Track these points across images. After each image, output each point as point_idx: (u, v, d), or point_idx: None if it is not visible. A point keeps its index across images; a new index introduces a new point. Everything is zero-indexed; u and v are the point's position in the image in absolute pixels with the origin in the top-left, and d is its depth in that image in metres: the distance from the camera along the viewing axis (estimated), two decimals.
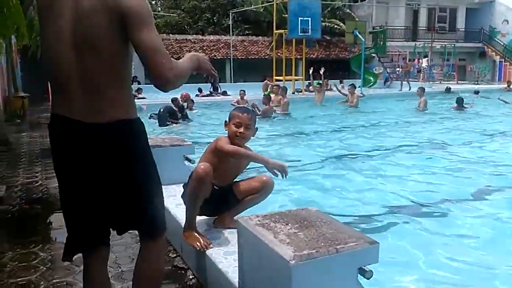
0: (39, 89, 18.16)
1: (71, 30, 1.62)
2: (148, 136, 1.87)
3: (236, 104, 13.28)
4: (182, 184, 2.98)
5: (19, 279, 2.80)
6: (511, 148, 7.85)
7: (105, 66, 1.64)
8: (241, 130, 2.82)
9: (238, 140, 2.83)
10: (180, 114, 10.52)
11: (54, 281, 2.78)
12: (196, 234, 2.74)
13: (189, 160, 3.98)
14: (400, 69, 21.48)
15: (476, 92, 17.66)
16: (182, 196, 2.97)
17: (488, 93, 18.36)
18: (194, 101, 12.98)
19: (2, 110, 9.14)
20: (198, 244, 2.67)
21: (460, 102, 12.99)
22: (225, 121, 2.93)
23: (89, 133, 1.68)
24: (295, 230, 1.96)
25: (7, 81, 12.05)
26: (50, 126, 1.81)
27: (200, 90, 17.44)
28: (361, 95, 16.04)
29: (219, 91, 17.90)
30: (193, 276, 2.84)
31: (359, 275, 1.80)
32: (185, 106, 11.30)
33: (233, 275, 2.29)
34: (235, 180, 3.00)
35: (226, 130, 2.91)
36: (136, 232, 2.03)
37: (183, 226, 3.02)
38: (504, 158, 6.88)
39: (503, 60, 29.04)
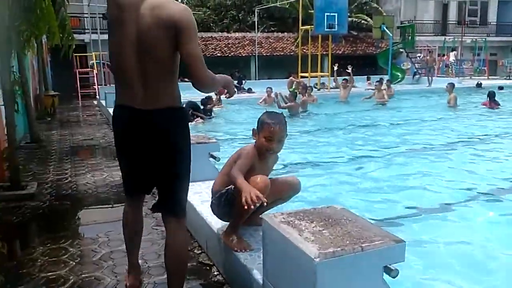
0: (69, 88, 18.63)
1: (135, 40, 2.07)
2: None
3: (263, 103, 13.26)
4: (224, 190, 2.75)
5: (49, 274, 2.87)
6: None
7: (160, 67, 2.10)
8: (273, 145, 2.63)
9: (268, 154, 2.70)
10: (203, 109, 10.63)
11: (83, 275, 2.84)
12: (238, 237, 2.66)
13: (214, 158, 4.00)
14: (426, 63, 20.96)
15: (501, 88, 17.11)
16: (219, 197, 2.77)
17: None
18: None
19: (34, 108, 9.38)
20: (239, 247, 2.60)
21: (492, 96, 12.31)
22: (253, 130, 2.73)
23: (147, 117, 2.14)
24: (320, 228, 1.94)
25: (38, 80, 12.37)
26: (115, 113, 2.31)
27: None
28: (392, 94, 15.56)
29: (244, 88, 17.93)
30: (217, 273, 2.85)
31: (384, 273, 1.77)
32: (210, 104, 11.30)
33: (257, 272, 2.29)
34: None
35: (254, 139, 2.73)
36: (163, 228, 2.47)
37: (208, 222, 3.04)
38: None
39: None
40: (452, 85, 12.98)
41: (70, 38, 6.86)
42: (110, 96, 11.00)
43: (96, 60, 17.92)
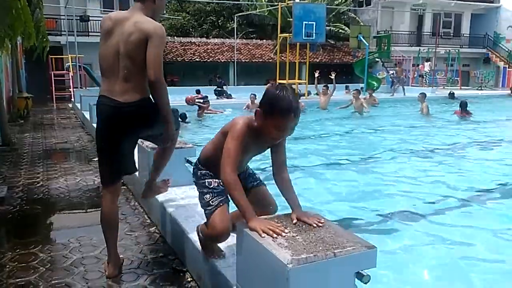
0: (44, 90, 18.28)
1: (119, 45, 2.68)
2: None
3: (247, 109, 13.31)
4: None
5: (18, 280, 2.80)
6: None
7: (135, 65, 2.66)
8: (284, 134, 2.19)
9: (270, 141, 2.26)
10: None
11: (53, 282, 2.77)
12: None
13: (190, 163, 3.98)
14: (395, 74, 21.37)
15: (452, 95, 17.61)
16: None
17: (490, 98, 18.31)
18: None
19: (6, 110, 9.16)
20: (214, 255, 2.47)
21: (464, 106, 12.54)
22: (257, 111, 2.17)
23: (123, 107, 2.70)
24: (293, 233, 1.95)
25: (12, 81, 12.10)
26: (98, 102, 2.80)
27: (198, 91, 17.46)
28: (375, 102, 15.72)
29: (226, 92, 17.90)
30: (191, 279, 2.83)
31: (356, 279, 1.79)
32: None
33: (231, 278, 2.28)
34: (251, 186, 2.55)
35: (256, 121, 2.19)
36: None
37: (183, 228, 3.02)
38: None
39: (507, 66, 28.97)
40: (423, 95, 13.30)
41: (44, 39, 6.73)
42: (86, 99, 10.83)
43: (72, 62, 17.63)
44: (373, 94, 16.30)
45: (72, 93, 16.43)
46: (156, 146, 3.30)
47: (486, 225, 4.23)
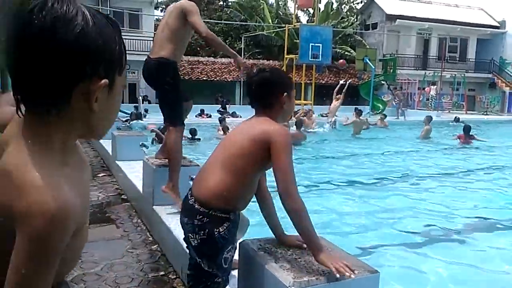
0: None
1: (165, 20, 3.60)
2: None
3: None
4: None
5: None
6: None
7: (170, 33, 3.52)
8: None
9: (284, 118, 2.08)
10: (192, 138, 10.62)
11: None
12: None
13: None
14: (397, 98, 21.42)
15: (457, 120, 17.61)
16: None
17: (495, 123, 18.23)
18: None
19: None
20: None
21: (467, 130, 12.23)
22: (283, 95, 1.97)
23: (152, 62, 3.56)
24: (296, 256, 1.94)
25: None
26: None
27: (202, 111, 17.55)
28: (386, 126, 15.76)
29: (228, 111, 18.03)
30: None
31: None
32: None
33: None
34: None
35: (287, 106, 2.01)
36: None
37: (185, 249, 2.99)
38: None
39: None
40: (429, 118, 13.32)
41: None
42: None
43: None
44: (385, 120, 16.30)
45: None
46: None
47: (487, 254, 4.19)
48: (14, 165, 0.83)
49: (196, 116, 16.40)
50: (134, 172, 5.34)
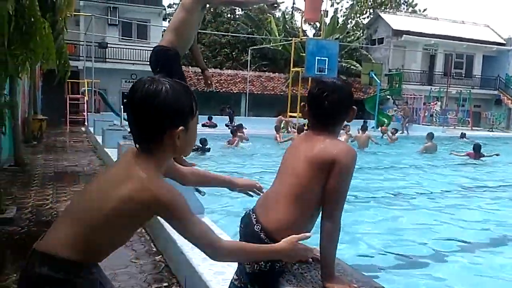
0: (58, 113, 18.57)
1: None
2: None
3: (276, 140, 13.66)
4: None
5: None
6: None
7: (171, 24, 3.96)
8: None
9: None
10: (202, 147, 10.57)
11: None
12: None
13: (200, 192, 3.98)
14: (401, 113, 21.40)
15: (463, 135, 17.57)
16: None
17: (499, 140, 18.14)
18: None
19: (21, 131, 9.31)
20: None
21: (477, 149, 12.05)
22: (353, 109, 1.94)
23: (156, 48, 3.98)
24: (302, 270, 1.93)
25: (28, 103, 12.32)
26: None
27: (210, 118, 17.48)
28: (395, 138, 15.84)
29: (234, 123, 18.06)
30: None
31: None
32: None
33: None
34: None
35: (349, 119, 1.95)
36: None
37: (189, 258, 2.99)
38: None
39: None
40: (431, 135, 13.42)
41: (66, 65, 6.89)
42: (99, 124, 10.99)
43: (88, 87, 17.99)
44: (393, 134, 16.27)
45: (86, 117, 16.68)
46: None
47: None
48: (147, 176, 1.38)
49: (202, 126, 16.29)
50: None
